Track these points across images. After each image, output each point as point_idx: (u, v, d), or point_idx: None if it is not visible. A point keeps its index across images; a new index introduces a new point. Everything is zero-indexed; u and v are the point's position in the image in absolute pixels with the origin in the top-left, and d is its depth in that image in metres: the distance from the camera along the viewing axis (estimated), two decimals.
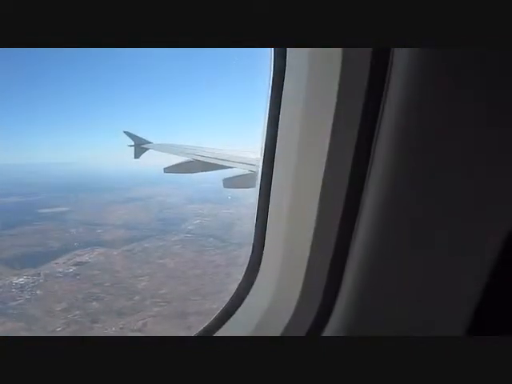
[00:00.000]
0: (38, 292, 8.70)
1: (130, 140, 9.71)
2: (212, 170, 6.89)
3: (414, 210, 0.93)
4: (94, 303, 8.39)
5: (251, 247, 1.31)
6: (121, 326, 7.62)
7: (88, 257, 10.56)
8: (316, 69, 0.96)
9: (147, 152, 9.81)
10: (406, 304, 1.04)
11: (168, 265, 10.42)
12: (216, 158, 6.89)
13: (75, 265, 10.06)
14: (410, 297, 1.03)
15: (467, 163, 0.88)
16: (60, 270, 9.76)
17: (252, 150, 6.59)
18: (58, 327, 7.50)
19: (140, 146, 9.67)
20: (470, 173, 0.89)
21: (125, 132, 9.86)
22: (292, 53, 1.02)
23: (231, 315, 1.32)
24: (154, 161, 11.66)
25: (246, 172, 5.77)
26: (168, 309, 8.21)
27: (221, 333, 1.30)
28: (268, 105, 1.11)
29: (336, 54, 0.90)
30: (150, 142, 10.11)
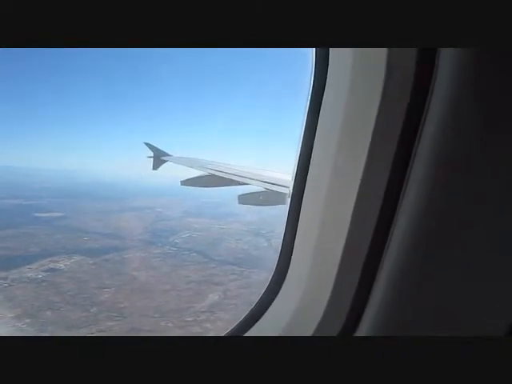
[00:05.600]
0: None
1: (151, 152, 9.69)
2: (228, 185, 6.96)
3: (448, 220, 0.92)
4: (48, 312, 8.13)
5: (276, 263, 1.32)
6: None
7: (63, 264, 10.42)
8: (359, 75, 0.95)
9: (166, 164, 9.70)
10: (435, 306, 1.01)
11: (140, 278, 10.08)
12: (233, 174, 6.92)
13: (46, 271, 9.92)
14: (440, 300, 1.01)
15: (505, 171, 0.86)
16: (29, 275, 9.62)
17: (268, 169, 6.88)
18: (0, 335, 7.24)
19: (159, 158, 9.62)
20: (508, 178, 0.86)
21: (145, 143, 9.88)
22: (334, 60, 1.02)
23: (262, 315, 1.32)
24: (172, 173, 11.64)
25: (262, 189, 5.81)
26: (120, 324, 7.82)
27: (251, 333, 1.30)
28: (306, 112, 1.11)
29: (380, 56, 0.88)
30: (169, 155, 10.06)
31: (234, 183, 6.67)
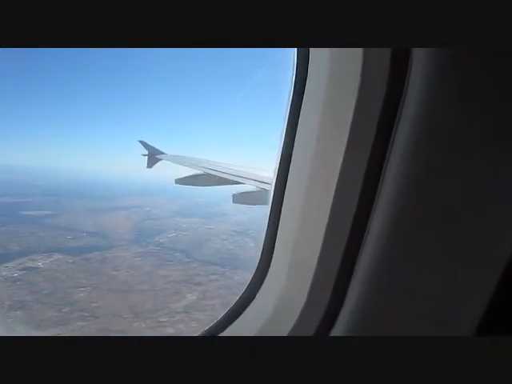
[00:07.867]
0: None
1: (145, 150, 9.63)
2: (223, 184, 6.93)
3: (423, 219, 0.93)
4: (19, 312, 7.93)
5: (260, 250, 1.31)
6: None
7: (41, 262, 10.23)
8: (336, 73, 0.97)
9: (160, 162, 9.63)
10: (412, 305, 1.02)
11: (118, 277, 9.88)
12: (228, 174, 6.90)
13: (23, 269, 9.73)
14: (417, 298, 1.01)
15: (480, 169, 0.87)
16: (4, 273, 9.43)
17: (262, 169, 6.71)
18: None
19: (154, 156, 9.58)
20: (485, 178, 0.87)
21: (140, 141, 9.83)
22: (314, 59, 1.03)
23: (239, 315, 1.31)
24: (167, 172, 11.50)
25: (256, 189, 5.78)
26: (91, 324, 7.62)
27: (227, 333, 1.29)
28: (287, 112, 1.11)
29: (357, 56, 0.90)
30: (164, 153, 9.98)
31: (229, 182, 6.61)
